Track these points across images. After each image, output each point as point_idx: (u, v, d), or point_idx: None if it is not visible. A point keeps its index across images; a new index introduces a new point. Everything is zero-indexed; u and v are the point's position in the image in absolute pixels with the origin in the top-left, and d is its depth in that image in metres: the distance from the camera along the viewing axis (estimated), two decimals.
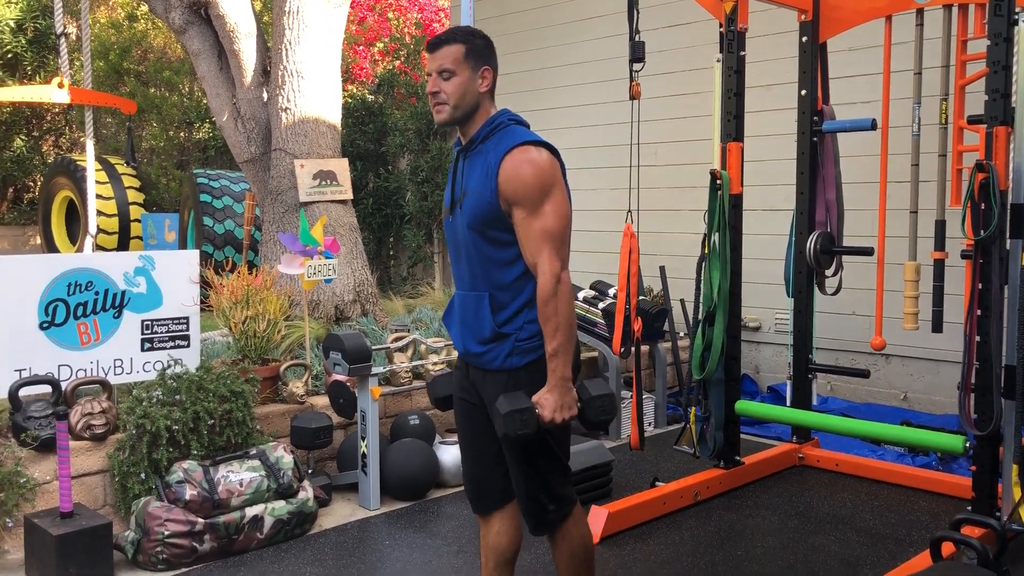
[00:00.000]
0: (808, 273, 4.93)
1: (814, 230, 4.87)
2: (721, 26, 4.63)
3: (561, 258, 2.52)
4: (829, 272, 4.98)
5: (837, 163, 4.96)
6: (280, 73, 6.06)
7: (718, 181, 4.44)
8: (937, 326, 4.33)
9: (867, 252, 4.75)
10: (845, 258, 5.02)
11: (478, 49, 2.64)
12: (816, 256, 4.82)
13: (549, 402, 2.49)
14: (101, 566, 3.51)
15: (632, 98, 4.47)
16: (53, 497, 3.75)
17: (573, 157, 7.79)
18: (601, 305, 5.76)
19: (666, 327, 6.09)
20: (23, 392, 3.87)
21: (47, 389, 3.94)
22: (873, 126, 4.61)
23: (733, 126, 4.62)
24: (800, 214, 4.94)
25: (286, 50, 6.06)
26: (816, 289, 5.01)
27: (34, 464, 3.76)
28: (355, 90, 11.94)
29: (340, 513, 4.32)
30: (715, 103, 4.73)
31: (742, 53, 4.63)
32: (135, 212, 10.65)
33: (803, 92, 4.89)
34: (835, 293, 5.00)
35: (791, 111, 5.10)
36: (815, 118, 4.88)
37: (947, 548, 3.23)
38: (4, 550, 3.69)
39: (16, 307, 3.97)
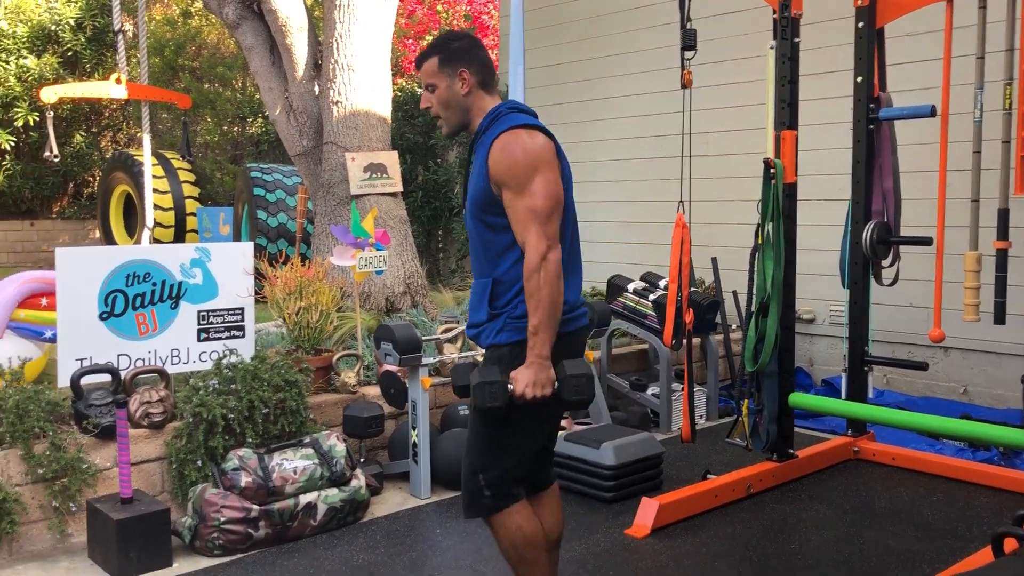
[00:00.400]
0: (864, 264, 4.84)
1: (870, 220, 4.78)
2: (774, 12, 4.56)
3: (547, 236, 2.50)
4: (886, 263, 4.88)
5: (894, 151, 4.86)
6: (331, 67, 6.11)
7: (772, 170, 4.37)
8: (999, 317, 4.23)
9: (926, 242, 4.65)
10: (903, 248, 4.92)
11: (452, 54, 2.68)
12: (872, 246, 4.73)
13: (522, 377, 2.51)
14: (160, 551, 3.59)
15: (683, 87, 4.43)
16: (113, 483, 3.84)
17: (623, 147, 7.77)
18: (652, 297, 5.72)
19: (718, 319, 6.02)
20: (84, 380, 3.96)
21: (107, 378, 4.03)
22: (932, 113, 4.50)
23: (787, 114, 4.55)
24: (856, 203, 4.85)
25: (337, 44, 6.11)
26: (872, 280, 4.92)
27: (95, 451, 3.86)
28: (405, 83, 12.01)
29: (392, 501, 4.36)
30: (768, 91, 4.66)
31: (796, 40, 4.55)
32: (191, 206, 10.84)
33: (859, 79, 4.79)
34: (892, 284, 4.90)
35: (846, 99, 5.00)
36: (871, 105, 4.78)
37: (1009, 544, 3.15)
38: (68, 533, 3.78)
39: (77, 298, 4.07)
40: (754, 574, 3.53)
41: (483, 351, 2.73)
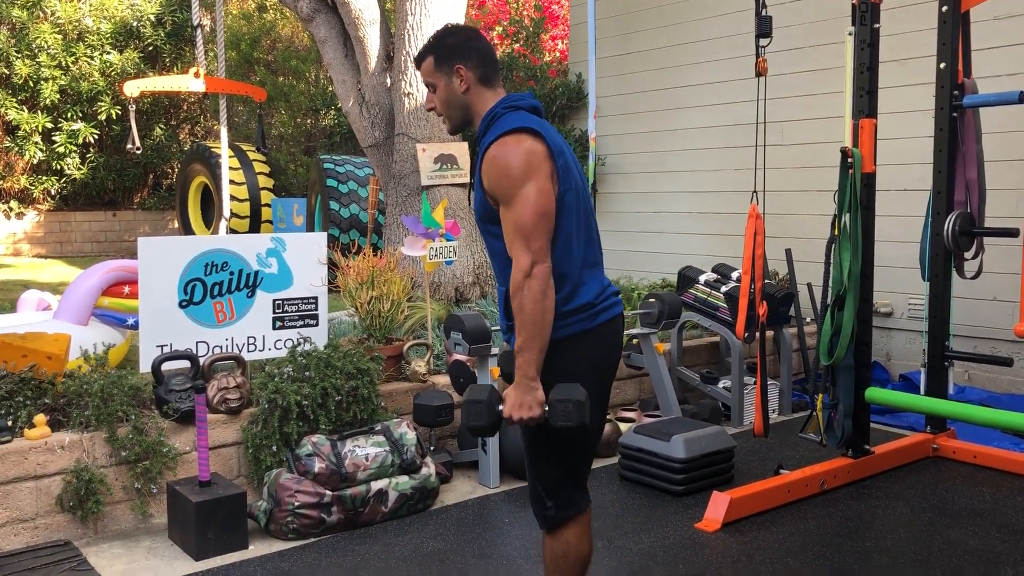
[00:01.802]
0: (945, 256, 4.70)
1: (952, 210, 4.64)
2: None
3: (532, 251, 2.38)
4: (969, 254, 4.73)
5: (979, 140, 4.70)
6: (403, 58, 6.16)
7: (849, 159, 4.27)
8: None
9: (1012, 233, 4.49)
10: (987, 240, 4.75)
11: (447, 51, 2.59)
12: (954, 238, 4.59)
13: (509, 399, 2.42)
14: (237, 533, 3.68)
15: (758, 74, 4.36)
16: (192, 466, 3.95)
17: (696, 136, 7.67)
18: (724, 289, 5.64)
19: (792, 312, 5.91)
20: (165, 367, 4.08)
21: (186, 364, 4.15)
22: (1020, 99, 4.34)
23: (866, 102, 4.43)
24: (937, 194, 4.70)
25: (408, 35, 6.16)
26: (954, 273, 4.77)
27: (175, 435, 3.97)
28: None
29: (461, 490, 4.40)
30: (846, 78, 4.54)
31: (876, 25, 4.43)
32: (265, 197, 11.08)
33: (942, 65, 4.64)
34: (975, 277, 4.75)
35: (928, 86, 4.85)
36: (955, 92, 4.63)
37: None
38: (149, 514, 3.91)
39: (158, 286, 4.19)
40: (828, 572, 3.47)
41: None
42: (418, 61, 2.68)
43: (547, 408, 2.41)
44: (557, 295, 2.45)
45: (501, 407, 2.43)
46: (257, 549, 3.70)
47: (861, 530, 3.91)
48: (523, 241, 2.39)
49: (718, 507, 3.94)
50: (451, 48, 2.59)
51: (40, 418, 3.73)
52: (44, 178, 12.91)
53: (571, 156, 2.58)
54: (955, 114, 4.64)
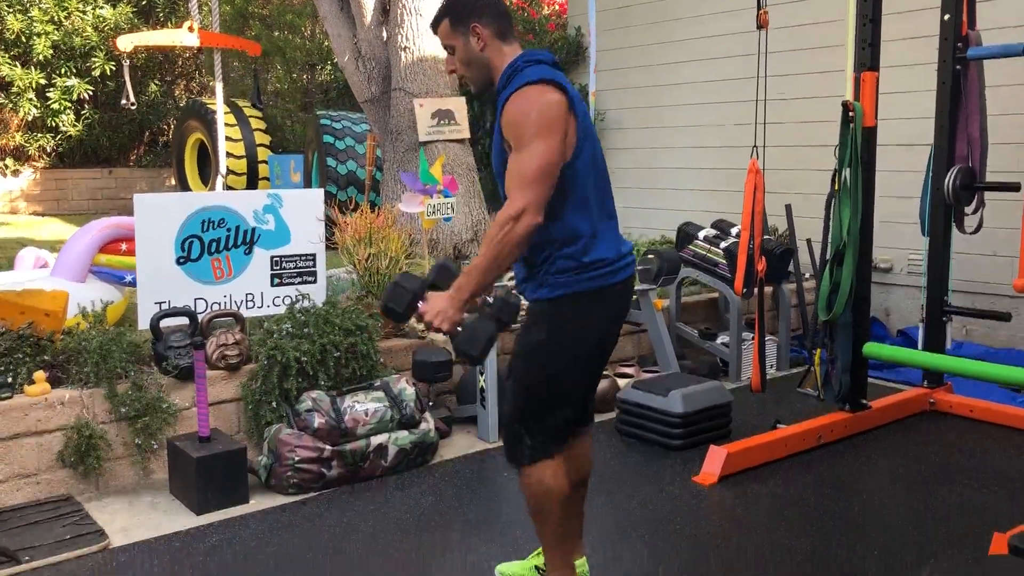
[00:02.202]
0: (946, 211, 4.68)
1: (954, 165, 4.60)
2: None
3: (527, 199, 2.39)
4: (969, 210, 4.71)
5: (982, 94, 4.65)
6: (399, 12, 6.08)
7: (851, 114, 4.23)
8: None
9: (1013, 188, 4.47)
10: (987, 195, 4.73)
11: (461, 11, 2.59)
12: (955, 193, 4.56)
13: (432, 303, 2.48)
14: (237, 488, 3.71)
15: (759, 27, 4.30)
16: (192, 423, 3.96)
17: (695, 91, 7.60)
18: (723, 245, 5.62)
19: (791, 267, 5.90)
20: (163, 323, 4.08)
21: (185, 321, 4.14)
22: None
23: (868, 55, 4.37)
24: (939, 148, 4.67)
25: None
26: (954, 228, 4.75)
27: (175, 391, 3.98)
28: None
29: (459, 445, 4.42)
30: (848, 31, 4.49)
31: None
32: (262, 153, 10.99)
33: (946, 16, 4.58)
34: (975, 232, 4.74)
35: (931, 38, 4.79)
36: (959, 44, 4.57)
37: None
38: (150, 470, 3.93)
39: (155, 243, 4.17)
40: (823, 524, 3.50)
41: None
42: (434, 26, 2.69)
43: (459, 329, 2.47)
44: (572, 248, 2.51)
45: (422, 304, 2.48)
46: (258, 503, 3.73)
47: (858, 483, 3.94)
48: (522, 187, 2.41)
49: (715, 461, 3.96)
50: (465, 7, 2.59)
51: (40, 375, 3.73)
52: (39, 135, 12.80)
53: (586, 115, 2.59)
54: (959, 67, 4.59)
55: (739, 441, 4.15)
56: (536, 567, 2.97)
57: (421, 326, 4.71)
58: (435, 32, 2.69)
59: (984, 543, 3.22)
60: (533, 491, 2.67)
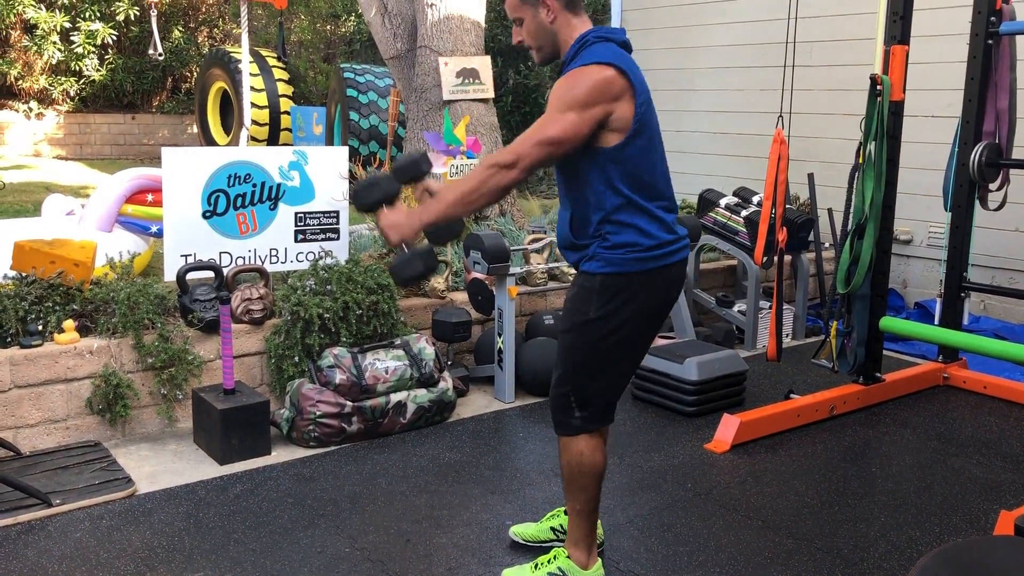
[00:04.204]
0: (970, 187, 4.66)
1: (980, 140, 4.58)
2: None
3: (524, 155, 2.42)
4: (993, 186, 4.69)
5: (1013, 68, 4.61)
6: None
7: (878, 87, 4.20)
8: None
9: None
10: (1013, 172, 4.70)
11: None
12: (980, 168, 4.54)
13: (392, 212, 2.53)
14: (260, 439, 3.80)
15: None
16: (217, 374, 4.05)
17: (722, 55, 7.54)
18: (744, 213, 5.62)
19: (811, 237, 5.90)
20: (189, 276, 4.15)
21: (210, 274, 4.22)
22: None
23: (899, 27, 4.33)
24: (966, 123, 4.64)
25: None
26: (976, 203, 4.74)
27: (200, 343, 4.07)
28: None
29: (477, 404, 4.50)
30: (880, 2, 4.44)
31: None
32: (284, 104, 11.00)
33: None
34: (999, 208, 4.72)
35: (964, 9, 4.73)
36: (992, 18, 4.52)
37: None
38: (175, 419, 4.03)
39: (182, 197, 4.22)
40: (832, 494, 3.56)
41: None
42: None
43: (404, 249, 2.53)
44: (628, 226, 2.53)
45: (386, 208, 2.54)
46: (279, 455, 3.82)
47: (868, 455, 3.99)
48: (529, 143, 2.44)
49: (728, 429, 4.02)
50: None
51: (69, 323, 3.82)
52: (63, 79, 12.84)
53: (646, 92, 2.58)
54: (990, 41, 4.54)
55: (752, 410, 4.20)
56: (552, 528, 3.04)
57: (441, 285, 4.76)
58: (503, 1, 2.68)
59: (990, 521, 3.28)
60: (572, 462, 2.69)
